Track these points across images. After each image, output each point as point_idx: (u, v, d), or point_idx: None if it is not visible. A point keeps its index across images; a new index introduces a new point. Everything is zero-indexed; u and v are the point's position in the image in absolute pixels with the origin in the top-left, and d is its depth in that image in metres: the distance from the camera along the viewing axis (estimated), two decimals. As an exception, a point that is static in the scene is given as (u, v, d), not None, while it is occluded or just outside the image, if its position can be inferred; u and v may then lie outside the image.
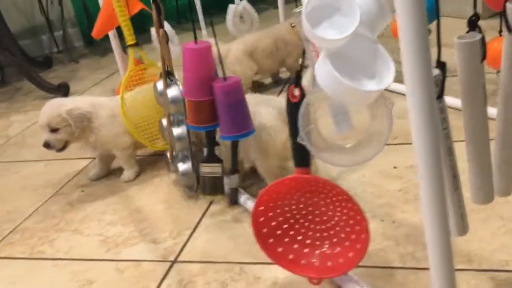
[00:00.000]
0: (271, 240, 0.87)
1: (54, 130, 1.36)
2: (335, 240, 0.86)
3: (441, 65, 0.57)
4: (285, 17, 2.16)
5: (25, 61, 2.43)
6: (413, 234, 1.00)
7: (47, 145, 1.37)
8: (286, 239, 0.87)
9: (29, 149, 1.83)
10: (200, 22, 1.94)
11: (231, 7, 2.09)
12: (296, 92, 0.73)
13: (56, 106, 1.37)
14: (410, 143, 1.34)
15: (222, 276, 0.99)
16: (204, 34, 2.08)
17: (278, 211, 0.87)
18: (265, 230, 0.86)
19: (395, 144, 1.33)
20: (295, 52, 1.87)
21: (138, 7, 1.63)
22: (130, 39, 1.50)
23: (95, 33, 1.67)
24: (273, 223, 0.87)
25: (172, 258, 1.08)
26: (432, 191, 0.59)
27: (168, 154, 1.35)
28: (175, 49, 1.95)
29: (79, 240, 1.21)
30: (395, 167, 1.25)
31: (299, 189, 0.84)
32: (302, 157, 0.79)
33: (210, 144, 1.11)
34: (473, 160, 0.66)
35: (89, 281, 1.06)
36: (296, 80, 0.73)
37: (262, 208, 0.85)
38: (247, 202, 1.18)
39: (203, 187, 1.15)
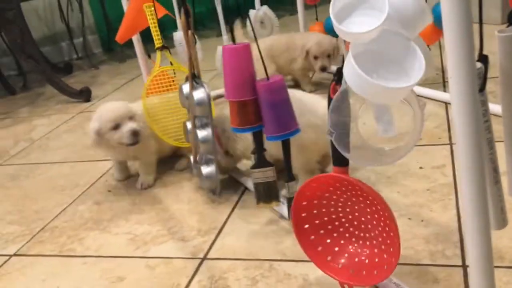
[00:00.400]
0: (312, 237, 0.87)
1: (131, 118, 1.37)
2: (375, 250, 0.85)
3: (484, 58, 0.58)
4: (304, 24, 2.18)
5: (47, 67, 2.47)
6: (442, 233, 1.01)
7: (136, 132, 1.35)
8: (328, 240, 0.87)
9: (54, 151, 1.86)
10: (221, 27, 1.97)
11: (252, 13, 2.12)
12: (338, 89, 0.74)
13: (120, 103, 1.41)
14: (435, 145, 1.35)
15: (252, 273, 1.00)
16: (225, 39, 2.10)
17: (324, 210, 0.86)
18: (307, 226, 0.86)
19: (421, 145, 1.34)
20: (300, 59, 1.92)
21: (161, 12, 1.65)
22: (158, 42, 1.53)
23: (119, 37, 1.69)
24: (317, 221, 0.87)
25: (201, 256, 1.09)
26: (474, 184, 0.59)
27: (191, 157, 1.37)
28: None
29: (108, 239, 1.23)
30: (421, 168, 1.25)
31: (343, 190, 0.83)
32: (340, 156, 0.79)
33: (259, 148, 1.07)
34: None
35: (120, 278, 1.07)
36: (338, 77, 0.74)
37: (305, 203, 0.85)
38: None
39: (258, 195, 1.09)
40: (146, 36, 1.84)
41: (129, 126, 1.35)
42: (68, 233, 1.29)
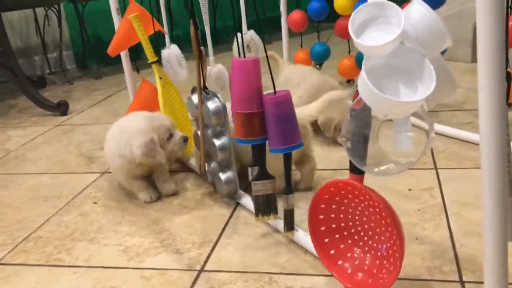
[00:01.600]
0: (326, 240, 0.89)
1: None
2: (385, 262, 0.87)
3: (507, 75, 0.62)
4: (288, 50, 2.24)
5: (25, 79, 2.42)
6: (437, 250, 1.04)
7: (186, 138, 1.42)
8: (342, 245, 0.89)
9: (32, 162, 1.81)
10: (209, 48, 1.99)
11: (238, 36, 2.15)
12: (361, 100, 0.77)
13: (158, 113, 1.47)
14: (421, 169, 1.42)
15: (253, 285, 1.00)
16: (212, 60, 2.12)
17: (341, 216, 0.89)
18: (323, 228, 0.88)
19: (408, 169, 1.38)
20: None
21: (151, 29, 1.65)
22: (151, 56, 1.54)
23: (111, 50, 1.69)
24: (333, 225, 0.89)
25: (198, 268, 1.08)
26: (496, 195, 0.63)
27: (206, 166, 1.38)
28: (183, 72, 2.00)
29: (98, 249, 1.20)
30: (410, 190, 1.29)
31: (361, 199, 0.85)
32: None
33: (261, 160, 1.09)
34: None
35: (113, 288, 1.05)
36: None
37: (323, 206, 0.87)
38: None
39: (257, 207, 1.10)
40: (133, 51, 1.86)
41: (179, 133, 1.41)
42: (54, 243, 1.25)
